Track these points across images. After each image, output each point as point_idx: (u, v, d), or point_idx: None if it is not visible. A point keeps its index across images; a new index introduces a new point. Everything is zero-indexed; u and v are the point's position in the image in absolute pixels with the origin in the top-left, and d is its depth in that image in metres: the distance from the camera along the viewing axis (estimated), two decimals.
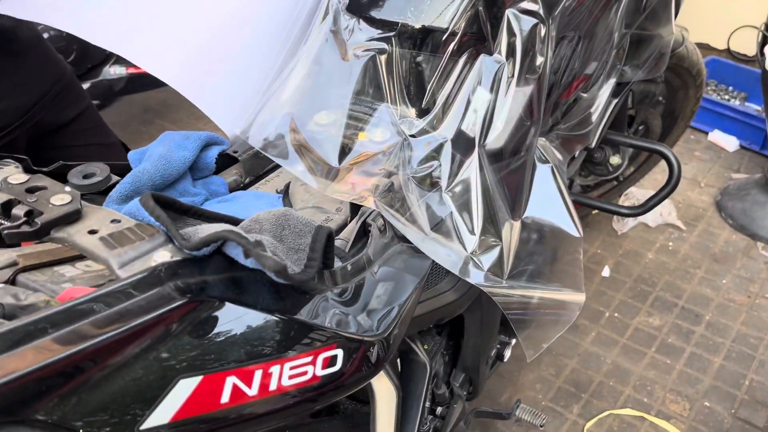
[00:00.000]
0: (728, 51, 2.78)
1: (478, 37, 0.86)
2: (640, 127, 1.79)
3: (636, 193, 2.19)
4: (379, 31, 0.85)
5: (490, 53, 0.85)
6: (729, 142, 2.47)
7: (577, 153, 1.11)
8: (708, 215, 2.18)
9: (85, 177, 0.66)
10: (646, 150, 1.29)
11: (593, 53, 1.02)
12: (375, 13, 0.86)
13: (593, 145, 1.14)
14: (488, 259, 0.82)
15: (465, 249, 0.80)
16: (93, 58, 2.41)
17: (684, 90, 1.80)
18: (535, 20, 0.85)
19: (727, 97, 2.64)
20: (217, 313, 0.46)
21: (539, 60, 0.87)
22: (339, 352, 0.52)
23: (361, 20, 0.87)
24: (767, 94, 1.94)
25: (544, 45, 0.87)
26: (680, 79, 1.75)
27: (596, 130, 1.13)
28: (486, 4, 0.84)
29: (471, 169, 0.84)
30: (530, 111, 0.89)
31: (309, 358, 0.49)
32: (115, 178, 0.69)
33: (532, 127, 0.90)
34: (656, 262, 2.01)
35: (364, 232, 0.73)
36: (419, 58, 0.86)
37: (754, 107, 2.59)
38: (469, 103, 0.85)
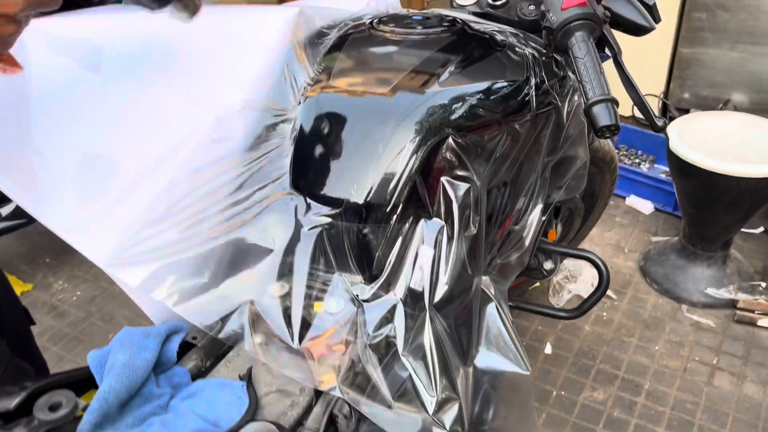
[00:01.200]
0: (633, 117, 3.00)
1: (418, 204, 0.92)
2: (566, 212, 1.91)
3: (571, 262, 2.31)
4: (327, 208, 0.90)
5: (430, 217, 0.92)
6: (644, 206, 2.65)
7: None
8: (635, 281, 2.31)
9: (51, 409, 0.67)
10: (577, 257, 1.38)
11: (521, 191, 1.10)
12: (320, 192, 0.91)
13: (527, 262, 1.22)
14: (449, 417, 0.86)
15: (427, 411, 0.84)
16: None
17: (601, 174, 1.93)
18: (467, 185, 0.93)
19: (637, 160, 2.83)
20: None
21: (475, 218, 0.94)
22: None
23: (306, 197, 0.91)
24: (673, 167, 2.10)
25: (477, 204, 0.94)
26: (596, 166, 1.88)
27: (529, 251, 1.21)
28: (422, 175, 0.91)
29: (424, 327, 0.89)
30: (471, 263, 0.95)
31: None
32: (81, 403, 0.69)
33: (474, 276, 0.96)
34: (594, 333, 2.11)
35: (331, 421, 0.76)
36: (366, 230, 0.91)
37: (662, 168, 2.79)
38: (415, 264, 0.91)
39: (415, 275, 0.90)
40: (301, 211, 0.92)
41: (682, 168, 2.01)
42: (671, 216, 2.61)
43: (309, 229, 0.90)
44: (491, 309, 1.04)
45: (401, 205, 0.90)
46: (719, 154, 1.94)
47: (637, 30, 1.12)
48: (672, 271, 2.24)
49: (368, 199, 0.89)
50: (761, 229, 2.47)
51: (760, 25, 2.68)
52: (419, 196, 0.92)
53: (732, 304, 2.14)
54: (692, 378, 1.95)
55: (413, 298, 0.89)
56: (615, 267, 2.38)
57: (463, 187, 0.92)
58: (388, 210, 0.89)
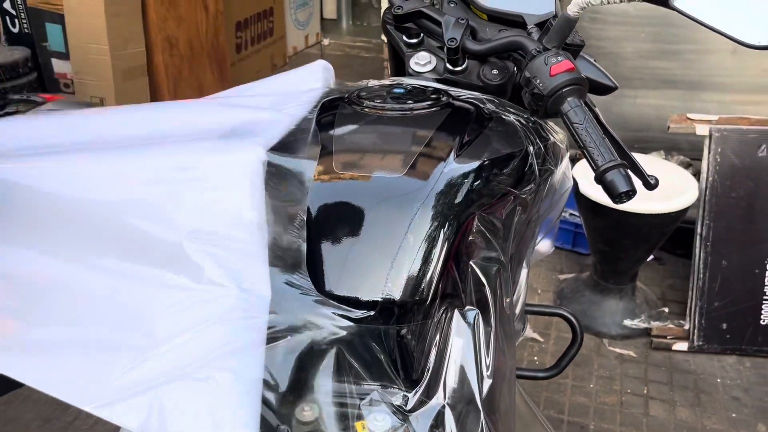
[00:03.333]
0: None
1: (452, 294, 0.84)
2: None
3: None
4: (359, 311, 0.79)
5: (462, 305, 0.84)
6: (543, 245, 2.75)
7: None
8: (555, 321, 2.37)
9: None
10: (549, 315, 1.37)
11: (522, 261, 1.06)
12: (347, 293, 0.80)
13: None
14: None
15: None
16: None
17: None
18: (496, 265, 0.86)
19: None
20: None
21: (506, 300, 0.88)
22: None
23: (330, 300, 0.80)
24: (583, 209, 2.20)
25: (507, 285, 0.89)
26: None
27: (522, 317, 1.17)
28: (455, 261, 0.84)
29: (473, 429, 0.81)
30: (506, 347, 0.89)
31: None
32: None
33: (509, 361, 0.90)
34: (530, 380, 2.12)
35: None
36: (402, 330, 0.81)
37: None
38: (455, 361, 0.82)
39: (457, 372, 0.82)
40: (323, 316, 0.80)
41: (594, 209, 2.10)
42: (570, 252, 2.73)
43: (337, 337, 0.79)
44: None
45: (439, 298, 0.81)
46: None
47: (603, 90, 1.14)
48: (588, 307, 2.33)
49: (406, 295, 0.80)
50: (651, 257, 2.65)
51: (620, 70, 2.94)
52: (453, 286, 0.84)
53: (646, 332, 2.26)
54: (630, 411, 2.01)
55: (460, 401, 0.81)
56: None
57: (493, 268, 0.86)
58: (427, 304, 0.81)
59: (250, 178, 0.75)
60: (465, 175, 0.88)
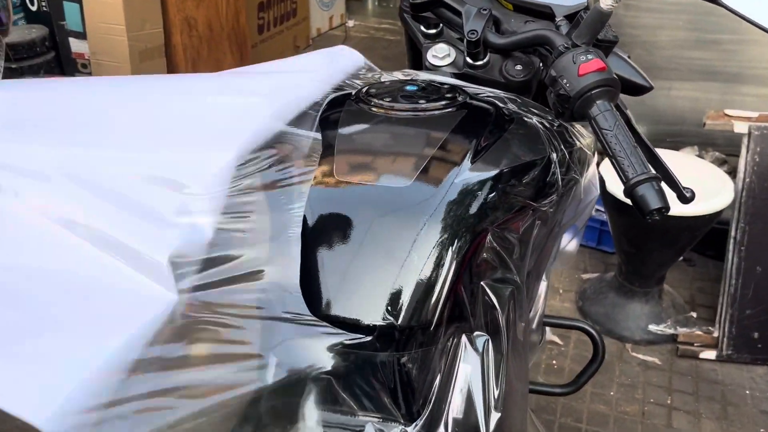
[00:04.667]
0: None
1: (460, 318, 0.76)
2: None
3: None
4: (356, 336, 0.72)
5: (471, 330, 0.77)
6: (571, 245, 2.65)
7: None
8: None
9: None
10: (571, 328, 1.29)
11: (541, 275, 0.99)
12: (344, 315, 0.72)
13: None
14: None
15: None
16: None
17: None
18: (510, 286, 0.79)
19: None
20: None
21: (519, 324, 0.81)
22: None
23: (324, 322, 0.73)
24: (610, 209, 2.10)
25: (521, 308, 0.81)
26: None
27: (539, 330, 1.10)
28: (464, 281, 0.76)
29: None
30: (518, 375, 0.81)
31: None
32: None
33: (522, 389, 0.82)
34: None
35: None
36: (403, 358, 0.74)
37: None
38: (461, 392, 0.75)
39: (462, 404, 0.75)
40: (315, 341, 0.73)
41: (620, 209, 2.00)
42: (595, 251, 2.63)
43: (330, 364, 0.72)
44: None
45: (444, 322, 0.74)
46: None
47: (637, 90, 1.05)
48: (612, 309, 2.23)
49: (407, 319, 0.72)
50: (680, 258, 2.54)
51: (655, 60, 2.80)
52: (462, 308, 0.76)
53: (672, 338, 2.16)
54: (652, 422, 1.92)
55: (462, 431, 0.73)
56: (553, 310, 2.34)
57: (507, 289, 0.78)
58: (432, 329, 0.73)
59: (213, 186, 0.66)
60: (479, 185, 0.79)
